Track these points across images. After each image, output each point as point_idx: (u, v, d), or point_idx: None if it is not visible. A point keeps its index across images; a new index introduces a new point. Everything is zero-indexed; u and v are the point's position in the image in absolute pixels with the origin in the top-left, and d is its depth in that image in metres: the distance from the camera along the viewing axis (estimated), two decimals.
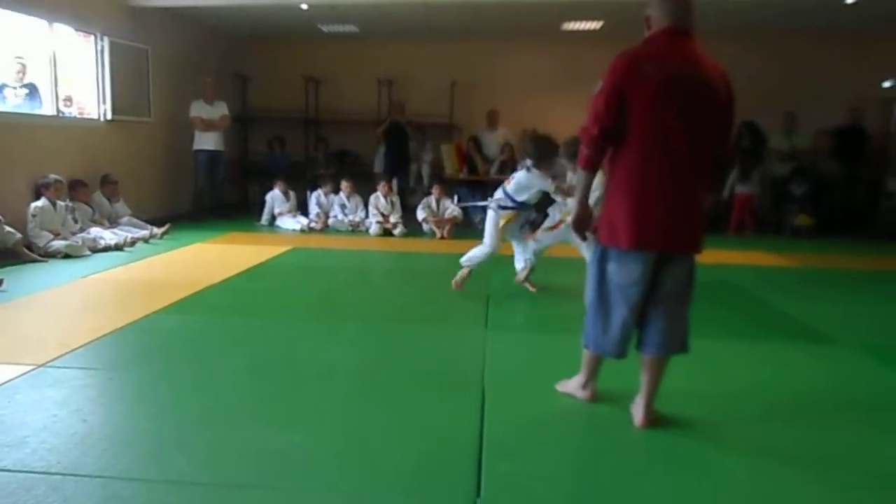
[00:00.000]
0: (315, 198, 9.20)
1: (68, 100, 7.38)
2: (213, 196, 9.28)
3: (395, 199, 8.92)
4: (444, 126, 10.57)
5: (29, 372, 3.21)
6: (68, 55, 7.33)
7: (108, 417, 2.83)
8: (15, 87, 6.71)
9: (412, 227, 8.64)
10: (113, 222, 7.42)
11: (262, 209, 9.28)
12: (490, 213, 5.05)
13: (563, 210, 4.96)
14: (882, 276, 6.59)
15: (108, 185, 7.55)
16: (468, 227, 8.90)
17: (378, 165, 10.10)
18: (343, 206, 9.09)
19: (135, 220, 7.61)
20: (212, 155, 9.06)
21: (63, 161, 7.02)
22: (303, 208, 9.33)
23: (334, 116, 10.83)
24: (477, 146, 9.78)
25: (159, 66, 8.73)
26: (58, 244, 6.22)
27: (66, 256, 6.17)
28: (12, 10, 6.48)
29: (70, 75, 7.37)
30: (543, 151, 4.79)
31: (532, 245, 5.14)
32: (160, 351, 3.71)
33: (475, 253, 5.10)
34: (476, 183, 9.66)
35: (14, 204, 6.30)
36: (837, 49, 9.76)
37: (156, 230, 7.43)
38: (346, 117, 10.76)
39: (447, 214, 8.62)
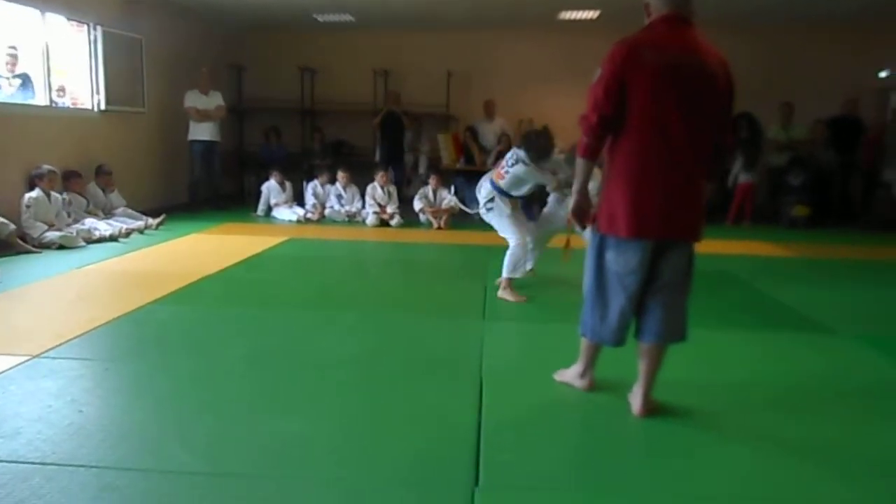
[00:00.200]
0: (311, 188, 9.17)
1: (61, 90, 7.31)
2: (209, 187, 9.23)
3: (392, 189, 8.89)
4: (440, 116, 10.53)
5: (24, 362, 3.19)
6: (61, 45, 7.27)
7: (104, 408, 2.82)
8: (8, 78, 6.65)
9: (409, 218, 8.62)
10: (108, 213, 7.38)
11: (258, 200, 9.24)
12: (493, 211, 4.76)
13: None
14: (879, 266, 6.60)
15: (102, 175, 7.50)
16: (465, 218, 8.87)
17: (379, 155, 10.06)
18: (339, 197, 9.06)
19: (130, 211, 7.57)
20: (207, 145, 9.01)
21: (57, 152, 6.97)
22: (299, 199, 9.30)
23: (330, 106, 10.78)
24: (474, 136, 9.75)
25: (153, 55, 8.66)
26: (52, 235, 6.18)
27: (61, 247, 6.14)
28: None
29: (63, 65, 7.31)
30: (542, 151, 4.57)
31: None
32: (156, 341, 3.69)
33: (509, 259, 4.70)
34: (473, 173, 9.61)
35: (8, 195, 6.26)
36: (834, 39, 9.74)
37: (151, 221, 7.39)
38: (342, 107, 10.71)
39: (444, 205, 8.59)
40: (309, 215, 8.81)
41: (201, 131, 8.94)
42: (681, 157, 2.56)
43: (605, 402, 2.94)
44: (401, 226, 8.42)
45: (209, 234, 7.41)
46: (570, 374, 3.08)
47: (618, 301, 2.71)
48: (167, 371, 3.24)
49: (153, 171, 8.94)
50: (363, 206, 8.85)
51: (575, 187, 2.75)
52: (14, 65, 6.69)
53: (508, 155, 4.72)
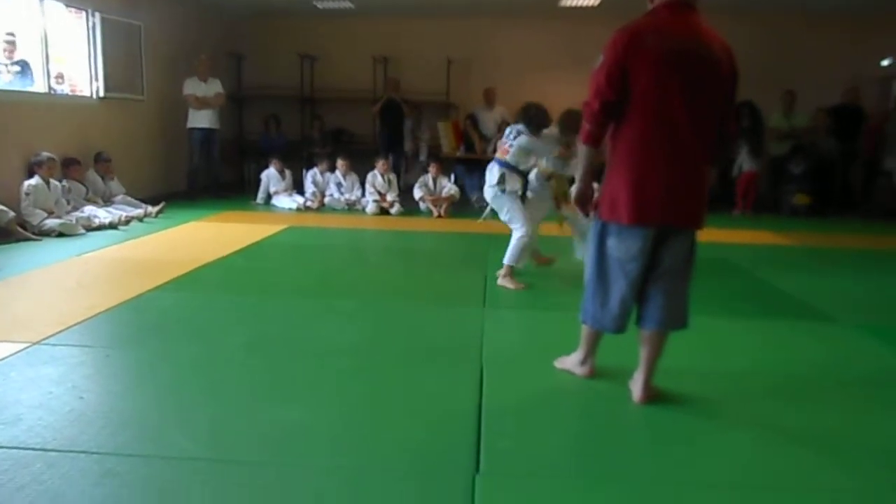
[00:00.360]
0: (311, 176, 9.14)
1: (60, 77, 7.28)
2: (208, 174, 9.20)
3: (393, 177, 8.87)
4: (440, 104, 10.48)
5: (24, 349, 3.19)
6: (60, 32, 7.22)
7: (105, 394, 2.82)
8: (6, 65, 6.61)
9: (409, 206, 8.60)
10: (107, 201, 7.36)
11: (257, 188, 9.22)
12: (504, 195, 4.67)
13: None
14: (880, 255, 6.59)
15: (101, 162, 7.48)
16: (465, 206, 8.86)
17: (379, 143, 10.03)
18: (339, 185, 9.04)
19: (129, 199, 7.55)
20: (206, 133, 8.96)
21: (55, 139, 6.94)
22: (299, 187, 9.27)
23: (330, 94, 10.73)
24: (474, 124, 9.72)
25: (152, 42, 8.61)
26: (52, 222, 6.17)
27: (61, 235, 6.12)
28: None
29: (62, 52, 7.27)
30: (540, 121, 4.63)
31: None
32: (156, 328, 3.69)
33: (513, 248, 4.68)
34: (473, 161, 9.60)
35: (7, 182, 6.24)
36: (836, 28, 9.70)
37: (150, 209, 7.37)
38: (342, 95, 10.66)
39: (444, 193, 8.57)
40: (309, 203, 8.78)
41: (200, 119, 8.90)
42: (684, 144, 2.54)
43: (605, 389, 2.94)
44: (401, 214, 8.40)
45: (209, 221, 7.40)
46: (571, 362, 3.08)
47: (619, 288, 2.70)
48: (167, 358, 3.24)
49: (152, 158, 8.91)
50: (363, 195, 8.83)
51: (577, 174, 2.73)
52: (12, 52, 6.66)
53: (507, 131, 4.73)
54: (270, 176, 9.13)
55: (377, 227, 7.74)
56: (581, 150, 2.69)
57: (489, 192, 4.76)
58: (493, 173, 4.74)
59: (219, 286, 4.68)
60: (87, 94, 7.68)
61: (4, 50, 6.59)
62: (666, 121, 2.52)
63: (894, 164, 9.16)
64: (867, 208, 9.28)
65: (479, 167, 9.49)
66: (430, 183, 8.66)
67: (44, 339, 3.33)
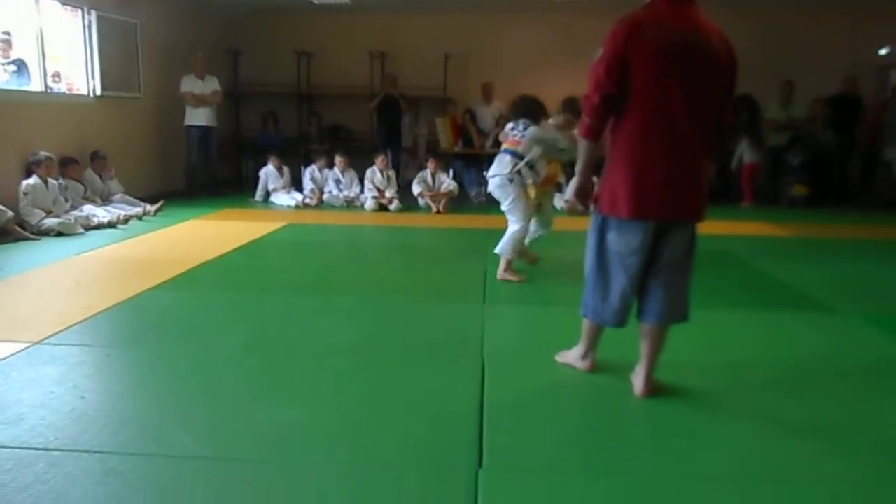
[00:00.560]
0: (309, 173, 9.13)
1: (57, 76, 7.26)
2: (206, 172, 9.19)
3: (391, 173, 8.85)
4: (438, 99, 10.46)
5: (25, 349, 3.19)
6: (56, 30, 7.20)
7: (106, 394, 2.82)
8: (2, 64, 6.60)
9: (407, 202, 8.60)
10: (105, 199, 7.36)
11: (255, 185, 9.20)
12: (513, 184, 4.64)
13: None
14: (879, 245, 6.59)
15: (97, 161, 7.46)
16: (464, 201, 8.86)
17: (377, 139, 10.02)
18: (338, 182, 9.02)
19: (128, 198, 7.54)
20: (204, 131, 8.95)
21: (53, 138, 6.93)
22: (297, 184, 9.26)
23: (327, 90, 10.72)
24: (472, 119, 9.70)
25: (148, 40, 8.59)
26: (50, 222, 6.16)
27: (59, 234, 6.12)
28: None
29: (58, 51, 7.25)
30: (535, 111, 4.69)
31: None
32: (156, 328, 3.69)
33: (508, 240, 4.69)
34: (471, 156, 9.60)
35: (5, 182, 6.24)
36: (834, 16, 9.67)
37: (149, 207, 7.36)
38: (339, 91, 10.64)
39: (443, 188, 8.56)
40: (307, 200, 8.77)
41: (198, 116, 8.88)
42: (683, 137, 2.54)
43: (606, 383, 2.94)
44: (400, 210, 8.40)
45: (207, 220, 7.39)
46: (572, 356, 3.08)
47: (619, 282, 2.70)
48: (167, 357, 3.24)
49: (150, 157, 8.90)
50: (361, 191, 8.82)
51: (578, 167, 2.73)
52: (8, 51, 6.64)
53: (510, 126, 4.74)
54: (269, 173, 9.11)
55: (376, 223, 7.73)
56: (581, 144, 2.68)
57: (496, 180, 4.72)
58: (503, 163, 4.71)
59: (218, 284, 4.68)
60: (84, 92, 7.67)
61: (0, 49, 6.57)
62: (665, 114, 2.52)
63: (893, 154, 9.16)
64: (866, 199, 9.27)
65: (477, 162, 9.52)
66: (429, 178, 8.65)
67: (44, 339, 3.33)
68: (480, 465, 2.24)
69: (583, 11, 9.59)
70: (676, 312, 2.74)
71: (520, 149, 4.65)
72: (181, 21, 9.51)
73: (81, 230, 6.33)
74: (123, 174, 7.83)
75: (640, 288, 2.72)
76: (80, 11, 7.49)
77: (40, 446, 2.29)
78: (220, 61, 10.32)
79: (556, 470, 2.25)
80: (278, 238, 6.48)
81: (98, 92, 7.75)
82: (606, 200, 2.65)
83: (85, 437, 2.36)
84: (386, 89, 9.72)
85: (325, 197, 8.95)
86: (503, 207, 4.77)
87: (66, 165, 6.95)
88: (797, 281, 4.88)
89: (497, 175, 4.71)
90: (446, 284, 4.79)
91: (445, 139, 9.76)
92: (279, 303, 4.22)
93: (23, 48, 6.79)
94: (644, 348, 2.78)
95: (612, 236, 2.67)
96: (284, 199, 8.85)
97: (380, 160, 8.72)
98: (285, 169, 9.20)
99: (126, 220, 6.89)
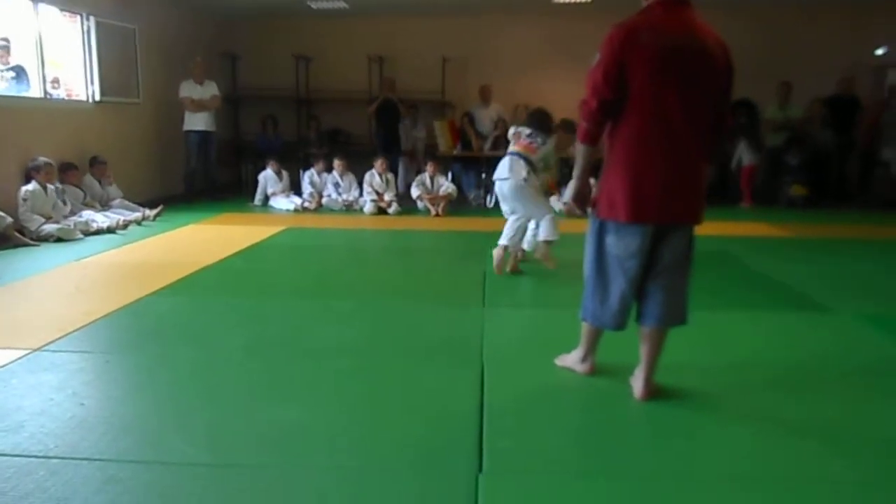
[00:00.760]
0: (308, 177, 9.14)
1: (56, 82, 7.27)
2: (205, 177, 9.20)
3: (391, 176, 8.86)
4: (436, 103, 10.47)
5: (24, 356, 3.19)
6: (54, 36, 7.21)
7: (106, 400, 2.82)
8: (1, 70, 6.61)
9: (406, 206, 8.60)
10: (105, 205, 7.36)
11: (254, 189, 9.21)
12: (526, 186, 4.80)
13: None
14: (877, 245, 6.59)
15: (97, 166, 7.47)
16: (463, 204, 8.86)
17: (376, 143, 10.02)
18: (337, 185, 9.03)
19: (127, 203, 7.54)
20: (202, 135, 8.96)
21: (52, 143, 6.93)
22: (296, 188, 9.27)
23: (325, 94, 10.72)
24: (470, 122, 9.71)
25: (147, 45, 8.60)
26: (50, 228, 6.16)
27: (59, 240, 6.12)
28: None
29: (57, 57, 7.26)
30: (551, 128, 4.96)
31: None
32: (155, 333, 3.69)
33: (549, 224, 4.92)
34: (470, 159, 9.60)
35: (5, 187, 6.24)
36: (831, 17, 9.68)
37: (148, 212, 7.37)
38: (338, 95, 10.64)
39: (441, 192, 8.57)
40: (306, 204, 8.78)
41: (197, 121, 8.89)
42: (680, 141, 2.54)
43: (606, 386, 2.94)
44: (398, 213, 8.40)
45: (207, 224, 7.40)
46: (572, 359, 3.08)
47: (618, 285, 2.70)
48: (167, 362, 3.24)
49: (149, 161, 8.91)
50: (360, 195, 8.82)
51: (575, 171, 2.73)
52: (7, 57, 6.65)
53: (528, 131, 4.89)
54: (268, 177, 9.12)
55: (375, 226, 7.74)
56: (579, 148, 2.69)
57: (510, 183, 4.81)
58: (518, 167, 4.79)
59: (217, 289, 4.68)
60: (83, 98, 7.68)
61: None
62: (662, 118, 2.52)
63: (891, 154, 9.16)
64: (864, 199, 9.28)
65: (475, 165, 9.53)
66: (428, 182, 8.65)
67: (44, 346, 3.33)
68: (480, 466, 2.24)
69: (580, 14, 9.61)
70: (675, 315, 2.74)
71: (532, 156, 4.85)
72: (179, 26, 9.52)
73: (81, 236, 6.33)
74: (122, 179, 7.84)
75: (638, 291, 2.72)
76: (78, 17, 7.50)
77: (40, 454, 2.29)
78: (219, 66, 10.33)
79: (556, 472, 2.25)
80: (277, 242, 6.48)
81: (97, 97, 7.75)
82: (605, 204, 2.65)
83: (84, 445, 2.36)
84: (384, 93, 9.74)
85: (324, 201, 8.96)
86: (524, 211, 4.90)
87: (66, 171, 6.95)
88: (796, 281, 4.88)
89: (509, 179, 4.80)
90: (446, 287, 4.79)
91: (444, 142, 9.77)
92: (279, 307, 4.22)
93: (22, 54, 6.80)
94: (644, 352, 2.78)
95: (610, 240, 2.67)
96: (283, 203, 8.85)
97: (378, 164, 8.73)
98: (284, 173, 9.22)
99: (125, 226, 6.89)
